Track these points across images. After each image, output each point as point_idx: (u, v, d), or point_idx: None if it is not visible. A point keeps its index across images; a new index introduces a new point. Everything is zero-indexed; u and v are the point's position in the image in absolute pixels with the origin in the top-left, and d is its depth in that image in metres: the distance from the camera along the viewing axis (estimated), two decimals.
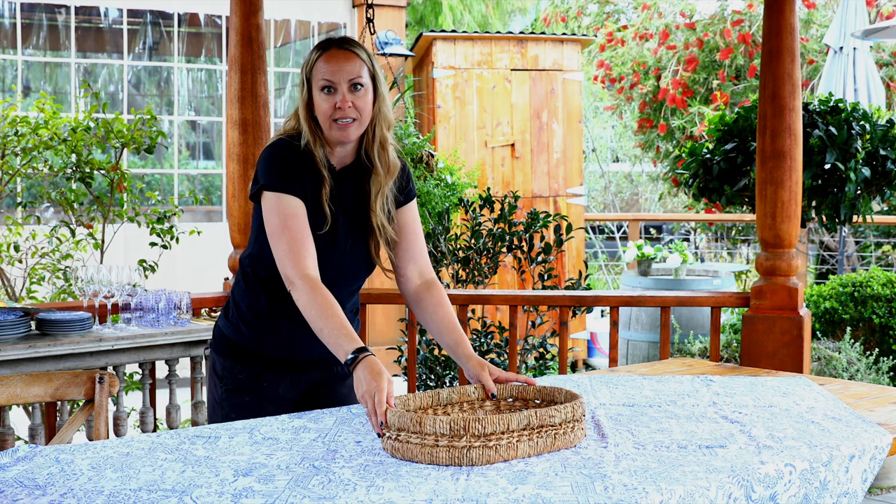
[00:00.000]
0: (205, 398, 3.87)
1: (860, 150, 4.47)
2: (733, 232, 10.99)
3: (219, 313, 3.01)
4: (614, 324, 4.05)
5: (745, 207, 4.81)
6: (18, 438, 3.96)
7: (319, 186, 2.38)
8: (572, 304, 4.15)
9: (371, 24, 4.42)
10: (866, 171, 4.48)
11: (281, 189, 2.33)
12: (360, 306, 2.66)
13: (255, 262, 2.46)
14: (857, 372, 5.19)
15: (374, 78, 2.40)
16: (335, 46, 2.38)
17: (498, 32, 7.90)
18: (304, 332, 2.31)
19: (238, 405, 2.47)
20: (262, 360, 2.47)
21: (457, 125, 7.66)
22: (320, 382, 2.54)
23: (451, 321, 2.43)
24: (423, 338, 5.05)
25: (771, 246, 3.94)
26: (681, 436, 2.01)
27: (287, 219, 2.31)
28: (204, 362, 3.85)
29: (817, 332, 5.73)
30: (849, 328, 5.57)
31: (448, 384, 4.95)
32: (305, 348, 2.44)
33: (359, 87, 2.35)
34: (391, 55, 7.00)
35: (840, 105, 4.62)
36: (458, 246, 4.97)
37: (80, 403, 2.61)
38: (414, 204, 2.59)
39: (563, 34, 8.44)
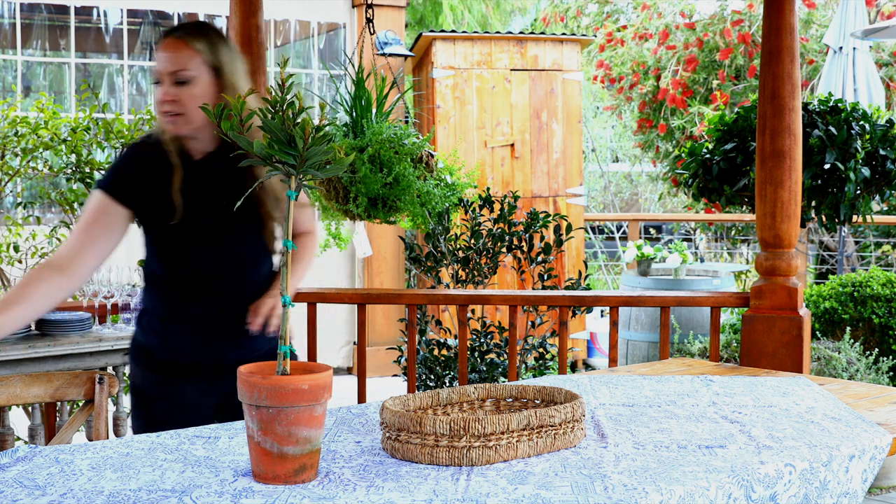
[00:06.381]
0: None
1: (860, 150, 4.47)
2: (733, 232, 10.99)
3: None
4: (614, 324, 4.05)
5: (744, 207, 4.81)
6: (18, 438, 3.96)
7: (169, 178, 2.32)
8: (572, 304, 4.15)
9: (371, 25, 4.42)
10: (866, 171, 4.48)
11: (103, 189, 2.32)
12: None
13: (146, 264, 2.43)
14: (857, 372, 5.19)
15: (217, 70, 2.30)
16: (170, 35, 2.31)
17: (497, 32, 7.90)
18: (209, 336, 2.27)
19: (152, 413, 2.41)
20: (171, 367, 2.39)
21: (456, 125, 7.66)
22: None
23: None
24: (423, 338, 5.04)
25: (771, 246, 3.93)
26: (680, 436, 2.01)
27: (82, 217, 2.31)
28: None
29: (817, 332, 5.73)
30: (848, 328, 5.57)
31: (448, 384, 4.95)
32: (216, 352, 2.38)
33: (182, 82, 2.27)
34: (391, 55, 7.00)
35: (840, 105, 4.62)
36: (458, 246, 4.97)
37: (80, 404, 2.61)
38: None
39: (563, 34, 8.43)
